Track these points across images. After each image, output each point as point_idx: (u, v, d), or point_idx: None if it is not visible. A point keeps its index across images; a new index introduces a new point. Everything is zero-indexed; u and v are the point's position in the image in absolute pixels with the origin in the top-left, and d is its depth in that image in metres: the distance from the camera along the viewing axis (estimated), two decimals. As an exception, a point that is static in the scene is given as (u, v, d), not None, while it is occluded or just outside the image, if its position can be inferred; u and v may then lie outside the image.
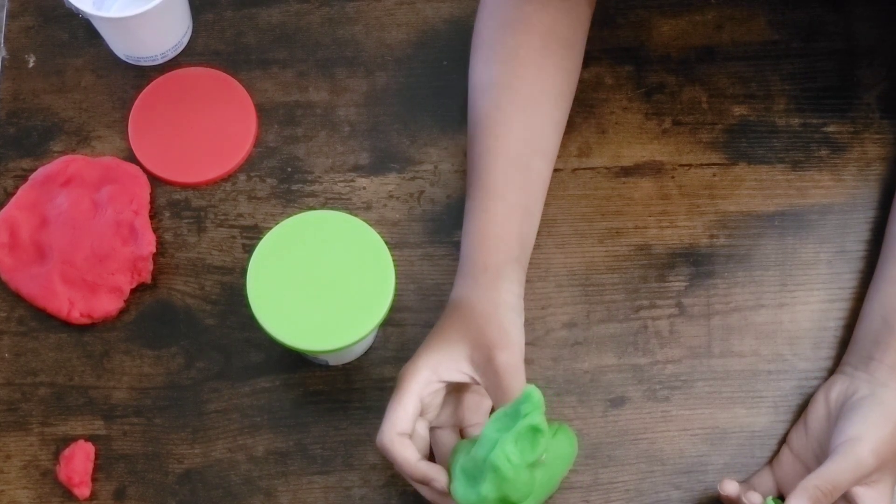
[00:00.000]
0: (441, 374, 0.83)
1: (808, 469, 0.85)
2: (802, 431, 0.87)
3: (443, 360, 0.83)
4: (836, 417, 0.84)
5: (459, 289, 0.87)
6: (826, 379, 0.90)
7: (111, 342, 0.93)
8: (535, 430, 0.75)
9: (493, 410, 0.84)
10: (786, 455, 0.88)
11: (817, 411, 0.87)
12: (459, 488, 0.78)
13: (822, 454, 0.84)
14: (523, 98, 0.90)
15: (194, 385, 0.92)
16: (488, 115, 0.90)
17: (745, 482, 0.87)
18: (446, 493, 0.80)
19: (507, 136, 0.89)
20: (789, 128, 0.98)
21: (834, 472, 0.79)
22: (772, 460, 0.88)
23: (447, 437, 0.86)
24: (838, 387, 0.86)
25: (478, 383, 0.83)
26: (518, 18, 0.91)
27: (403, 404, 0.82)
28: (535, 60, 0.91)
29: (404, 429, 0.81)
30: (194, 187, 0.97)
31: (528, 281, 0.89)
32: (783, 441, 0.89)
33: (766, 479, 0.87)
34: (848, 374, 0.87)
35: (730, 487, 0.84)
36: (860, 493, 0.81)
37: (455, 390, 0.86)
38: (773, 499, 0.83)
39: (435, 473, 0.80)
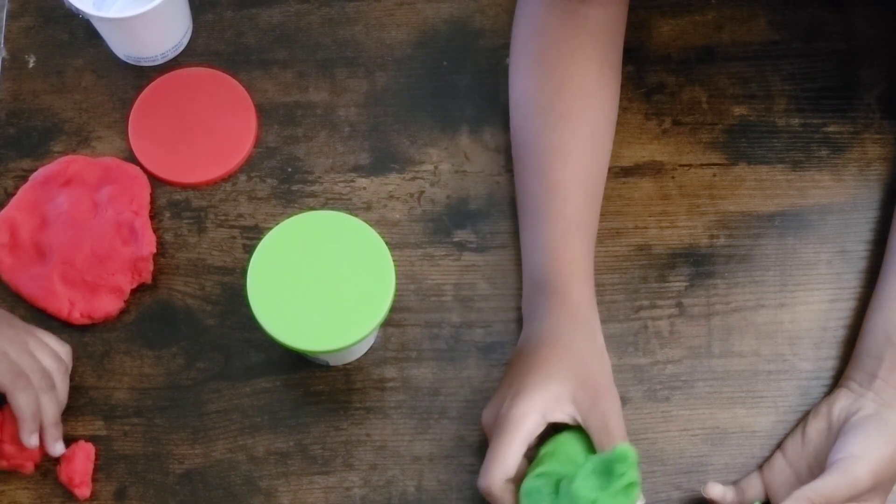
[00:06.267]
0: (548, 416, 0.83)
1: (800, 478, 0.85)
2: (799, 440, 0.87)
3: (550, 400, 0.83)
4: (838, 432, 0.84)
5: (552, 320, 0.87)
6: (827, 380, 0.90)
7: (111, 342, 0.93)
8: (632, 486, 0.79)
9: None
10: (778, 461, 0.87)
11: (818, 423, 0.86)
12: None
13: (816, 465, 0.84)
14: (591, 130, 0.91)
15: (195, 385, 0.92)
16: (566, 143, 0.90)
17: (734, 484, 0.87)
18: None
19: (582, 167, 0.90)
20: (789, 128, 0.98)
21: (830, 486, 0.79)
22: (762, 465, 0.88)
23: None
24: (842, 402, 0.86)
25: (577, 423, 0.83)
26: (577, 47, 0.92)
27: (514, 448, 0.81)
28: (597, 91, 0.92)
29: (511, 474, 0.81)
30: (194, 187, 0.97)
31: (528, 281, 0.89)
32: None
33: (754, 483, 0.87)
34: (853, 391, 0.86)
35: (714, 490, 0.84)
36: None
37: None
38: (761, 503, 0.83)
39: None
